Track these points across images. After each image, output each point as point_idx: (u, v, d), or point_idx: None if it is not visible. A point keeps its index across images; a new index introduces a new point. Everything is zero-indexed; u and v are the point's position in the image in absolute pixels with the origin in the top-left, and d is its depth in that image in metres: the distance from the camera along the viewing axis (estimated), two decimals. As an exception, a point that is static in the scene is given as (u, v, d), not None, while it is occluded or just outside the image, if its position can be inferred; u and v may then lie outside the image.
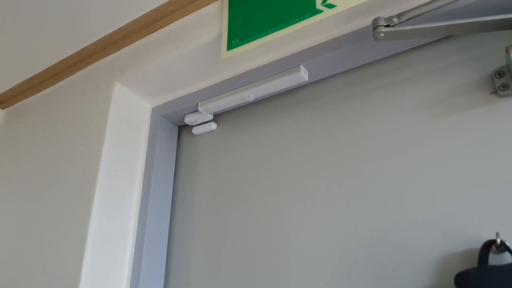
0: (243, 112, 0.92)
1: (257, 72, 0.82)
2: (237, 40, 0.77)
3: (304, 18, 0.70)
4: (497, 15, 0.55)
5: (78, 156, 0.91)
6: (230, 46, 0.77)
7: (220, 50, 0.83)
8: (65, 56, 1.04)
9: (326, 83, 0.82)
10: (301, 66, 0.76)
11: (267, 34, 0.73)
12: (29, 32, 0.98)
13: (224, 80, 0.88)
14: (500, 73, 0.61)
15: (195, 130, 0.96)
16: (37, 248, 0.87)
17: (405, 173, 0.66)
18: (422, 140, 0.66)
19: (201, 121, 0.95)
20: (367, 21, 0.71)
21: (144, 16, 0.91)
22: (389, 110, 0.71)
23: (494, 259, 0.54)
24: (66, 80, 1.09)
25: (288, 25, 0.71)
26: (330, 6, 0.67)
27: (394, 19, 0.60)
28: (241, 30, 0.77)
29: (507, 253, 0.53)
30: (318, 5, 0.69)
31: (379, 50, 0.73)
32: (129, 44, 0.97)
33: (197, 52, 0.85)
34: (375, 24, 0.61)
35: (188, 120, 0.95)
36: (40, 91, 1.15)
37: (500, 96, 0.61)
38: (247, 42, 0.75)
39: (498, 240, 0.53)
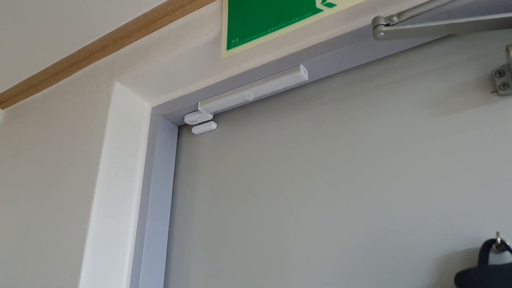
0: (243, 112, 0.92)
1: (257, 72, 0.82)
2: (237, 39, 0.77)
3: (304, 17, 0.69)
4: (498, 14, 0.55)
5: (78, 156, 0.91)
6: (230, 46, 0.77)
7: (220, 49, 0.83)
8: (65, 55, 1.04)
9: (326, 82, 0.82)
10: (301, 66, 0.76)
11: (267, 33, 0.73)
12: (28, 32, 0.98)
13: (224, 80, 0.88)
14: (500, 72, 0.61)
15: (195, 130, 0.96)
16: (37, 247, 0.87)
17: (405, 173, 0.65)
18: (422, 140, 0.66)
19: (201, 120, 0.95)
20: (367, 20, 0.71)
21: (144, 15, 0.91)
22: (389, 109, 0.71)
23: (495, 259, 0.53)
24: (66, 79, 1.09)
25: (288, 24, 0.71)
26: (330, 5, 0.67)
27: (394, 18, 0.60)
28: (241, 30, 0.77)
29: (507, 253, 0.53)
30: (318, 4, 0.69)
31: (379, 50, 0.73)
32: (129, 44, 0.97)
33: (197, 51, 0.85)
34: (375, 23, 0.61)
35: (188, 119, 0.95)
36: (40, 90, 1.15)
37: (501, 95, 0.61)
38: (247, 41, 0.75)
39: (499, 240, 0.52)
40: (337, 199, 0.71)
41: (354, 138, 0.73)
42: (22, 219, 0.95)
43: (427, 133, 0.66)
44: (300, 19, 0.70)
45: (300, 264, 0.70)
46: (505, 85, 0.60)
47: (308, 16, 0.69)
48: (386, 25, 0.61)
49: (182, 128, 1.02)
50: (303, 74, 0.76)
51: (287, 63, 0.78)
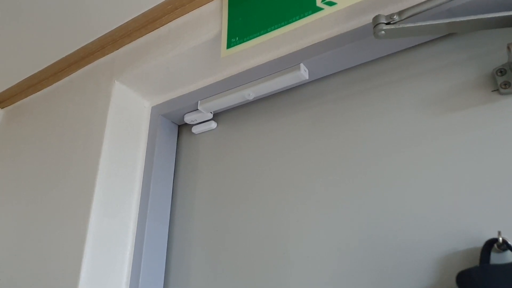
0: (243, 111, 0.91)
1: (257, 71, 0.82)
2: (237, 38, 0.77)
3: (304, 16, 0.69)
4: (499, 12, 0.55)
5: (78, 155, 0.91)
6: (230, 44, 0.77)
7: (219, 48, 0.83)
8: (64, 55, 1.04)
9: (326, 81, 0.81)
10: (301, 65, 0.76)
11: (267, 32, 0.73)
12: (28, 31, 0.97)
13: (224, 79, 0.88)
14: (501, 71, 0.61)
15: (195, 129, 0.96)
16: (37, 247, 0.87)
17: (406, 172, 0.65)
18: (423, 139, 0.65)
19: (201, 120, 0.95)
20: (367, 19, 0.71)
21: (143, 14, 0.91)
22: (390, 108, 0.71)
23: (496, 258, 0.53)
24: (65, 79, 1.09)
25: (288, 23, 0.71)
26: (331, 3, 0.67)
27: (395, 17, 0.60)
28: (241, 28, 0.77)
29: (509, 252, 0.53)
30: (318, 3, 0.69)
31: (380, 48, 0.73)
32: (128, 43, 0.97)
33: (196, 50, 0.84)
34: (375, 22, 0.61)
35: (188, 119, 0.95)
36: (40, 90, 1.15)
37: (502, 94, 0.61)
38: (247, 40, 0.75)
39: (500, 239, 0.52)
40: (337, 198, 0.70)
41: (354, 137, 0.73)
42: (22, 218, 0.95)
43: (428, 132, 0.65)
44: (300, 18, 0.70)
45: (300, 264, 0.70)
46: (506, 84, 0.60)
47: (309, 14, 0.69)
48: (386, 24, 0.60)
49: (182, 128, 1.02)
50: (303, 73, 0.76)
51: (287, 62, 0.78)
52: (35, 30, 0.97)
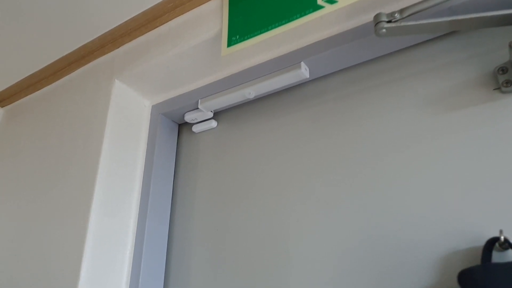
0: (244, 110, 0.91)
1: (258, 69, 0.82)
2: (238, 36, 0.76)
3: (305, 14, 0.69)
4: (500, 10, 0.55)
5: (78, 155, 0.90)
6: (230, 43, 0.77)
7: (220, 47, 0.83)
8: (64, 53, 1.04)
9: (327, 80, 0.81)
10: (302, 63, 0.76)
11: (267, 30, 0.73)
12: (28, 30, 0.97)
13: (225, 78, 0.87)
14: (503, 69, 0.61)
15: (195, 128, 0.96)
16: (37, 246, 0.86)
17: (407, 171, 0.65)
18: (424, 138, 0.65)
19: (201, 119, 0.94)
20: (368, 17, 0.70)
21: (143, 13, 0.91)
22: (391, 107, 0.71)
23: (498, 257, 0.53)
24: (65, 78, 1.09)
25: (289, 21, 0.71)
26: (331, 1, 0.67)
27: (396, 15, 0.60)
28: (241, 27, 0.77)
29: (510, 251, 0.53)
30: (319, 1, 0.68)
31: (381, 47, 0.72)
32: (128, 42, 0.97)
33: (197, 49, 0.84)
34: (376, 20, 0.61)
35: (188, 118, 0.94)
36: (39, 89, 1.15)
37: (504, 92, 0.60)
38: (248, 38, 0.75)
39: (502, 238, 0.52)
40: (337, 197, 0.70)
41: (355, 136, 0.73)
42: (22, 218, 0.95)
43: (429, 131, 0.65)
44: (301, 16, 0.69)
45: (300, 263, 0.70)
46: (508, 82, 0.60)
47: (309, 13, 0.69)
48: (388, 22, 0.60)
49: (182, 127, 1.02)
50: (304, 71, 0.76)
51: (288, 61, 0.77)
52: (35, 29, 0.97)
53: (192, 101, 0.91)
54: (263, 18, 0.74)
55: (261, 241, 0.76)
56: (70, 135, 0.96)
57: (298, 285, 0.68)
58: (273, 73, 0.79)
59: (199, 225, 0.86)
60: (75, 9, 0.91)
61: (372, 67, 0.76)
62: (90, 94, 0.97)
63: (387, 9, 0.68)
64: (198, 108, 0.91)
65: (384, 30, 0.60)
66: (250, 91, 0.82)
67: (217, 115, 0.95)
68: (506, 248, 0.53)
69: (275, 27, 0.72)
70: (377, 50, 0.73)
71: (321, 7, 0.68)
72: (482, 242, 0.55)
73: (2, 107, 1.26)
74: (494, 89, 0.61)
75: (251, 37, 0.75)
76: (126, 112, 0.94)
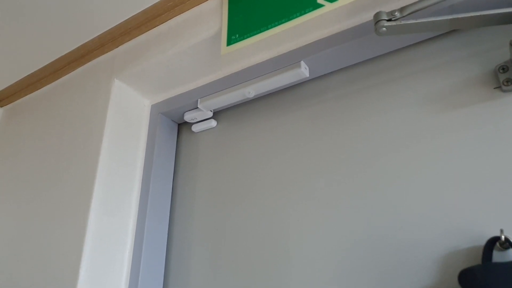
0: (243, 109, 0.91)
1: (258, 68, 0.81)
2: (237, 35, 0.76)
3: (304, 13, 0.69)
4: (501, 8, 0.54)
5: (77, 154, 0.90)
6: (230, 42, 0.76)
7: (220, 46, 0.82)
8: (64, 53, 1.04)
9: (327, 79, 0.81)
10: (302, 62, 0.75)
11: (267, 29, 0.73)
12: (27, 29, 0.97)
13: (224, 77, 0.87)
14: (504, 68, 0.60)
15: (195, 128, 0.95)
16: (36, 245, 0.86)
17: (408, 170, 0.65)
18: (425, 137, 0.65)
19: (200, 118, 0.94)
20: (368, 16, 0.70)
21: (143, 12, 0.90)
22: (391, 106, 0.70)
23: (499, 256, 0.53)
24: (65, 77, 1.09)
25: (289, 20, 0.70)
26: (331, 0, 0.67)
27: (396, 13, 0.60)
28: (241, 25, 0.76)
29: (511, 250, 0.53)
30: (319, 0, 0.68)
31: (381, 46, 0.72)
32: (128, 41, 0.96)
33: (196, 48, 0.84)
34: (377, 18, 0.60)
35: (188, 117, 0.94)
36: (39, 88, 1.15)
37: (504, 91, 0.60)
38: (247, 37, 0.74)
39: (503, 237, 0.52)
40: (338, 197, 0.70)
41: (355, 135, 0.72)
42: (21, 217, 0.94)
43: (430, 130, 0.65)
44: (300, 15, 0.69)
45: (300, 263, 0.69)
46: (508, 81, 0.59)
47: (309, 11, 0.68)
48: (388, 20, 0.60)
49: (182, 126, 1.01)
50: (304, 70, 0.75)
51: (288, 60, 0.77)
52: (34, 28, 0.96)
53: (191, 100, 0.91)
54: (262, 17, 0.74)
55: (261, 241, 0.75)
56: (70, 135, 0.95)
57: (298, 285, 0.68)
58: (272, 72, 0.79)
59: (198, 224, 0.86)
60: (75, 8, 0.91)
61: (372, 66, 0.76)
62: (89, 94, 0.97)
63: (387, 8, 0.68)
64: (197, 107, 0.91)
65: (384, 28, 0.60)
66: (250, 90, 0.82)
67: (216, 114, 0.95)
68: (507, 248, 0.53)
69: (275, 25, 0.72)
70: (377, 49, 0.73)
71: (321, 5, 0.67)
72: (482, 241, 0.55)
73: (1, 106, 1.25)
74: (494, 88, 0.61)
75: (250, 36, 0.74)
76: (126, 111, 0.94)
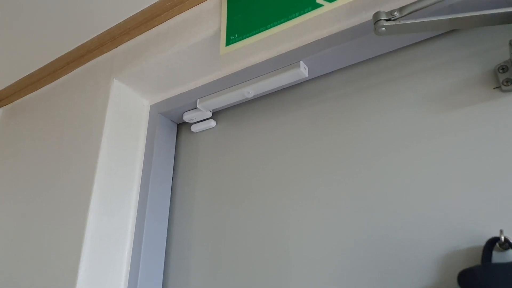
0: (243, 109, 0.91)
1: (257, 68, 0.81)
2: (236, 35, 0.76)
3: (304, 13, 0.69)
4: (501, 8, 0.54)
5: (76, 154, 0.90)
6: (229, 41, 0.76)
7: (219, 46, 0.82)
8: (63, 53, 1.04)
9: (326, 79, 0.81)
10: (301, 62, 0.75)
11: (266, 29, 0.72)
12: (26, 29, 0.97)
13: (223, 77, 0.87)
14: (503, 68, 0.60)
15: (194, 128, 0.95)
16: (35, 245, 0.86)
17: (407, 170, 0.65)
18: (424, 137, 0.65)
19: (200, 118, 0.94)
20: (368, 15, 0.70)
21: (142, 12, 0.90)
22: (391, 106, 0.70)
23: (498, 257, 0.53)
24: (64, 77, 1.08)
25: (288, 19, 0.70)
26: (331, 0, 0.66)
27: (395, 13, 0.59)
28: (240, 25, 0.76)
29: (511, 251, 0.52)
30: None
31: (381, 46, 0.72)
32: (127, 41, 0.96)
33: (196, 48, 0.84)
34: (376, 18, 0.60)
35: (187, 117, 0.94)
36: (38, 88, 1.15)
37: (504, 91, 0.60)
38: (247, 37, 0.74)
39: (502, 238, 0.52)
40: (338, 197, 0.70)
41: (355, 135, 0.72)
42: (20, 217, 0.94)
43: (429, 130, 0.65)
44: (300, 15, 0.69)
45: (300, 263, 0.69)
46: (508, 81, 0.59)
47: (308, 11, 0.68)
48: (387, 20, 0.60)
49: (181, 126, 1.01)
50: (303, 70, 0.75)
51: (287, 60, 0.77)
52: (33, 28, 0.96)
53: (191, 100, 0.91)
54: (262, 17, 0.74)
55: (261, 241, 0.75)
56: (69, 135, 0.95)
57: (298, 285, 0.68)
58: (272, 72, 0.79)
59: (198, 224, 0.86)
60: (74, 8, 0.91)
61: (371, 65, 0.76)
62: (89, 94, 0.97)
63: (386, 8, 0.68)
64: (197, 107, 0.91)
65: (383, 28, 0.60)
66: (249, 90, 0.82)
67: (216, 114, 0.95)
68: (507, 248, 0.53)
69: (274, 25, 0.72)
70: (376, 49, 0.73)
71: (320, 5, 0.67)
72: (482, 242, 0.55)
73: (1, 106, 1.25)
74: (494, 88, 0.61)
75: (249, 35, 0.74)
76: (125, 111, 0.94)
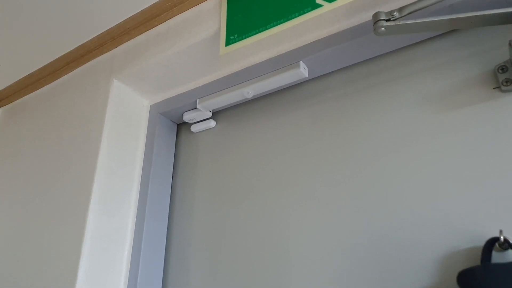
0: (242, 109, 0.91)
1: (256, 69, 0.81)
2: (236, 35, 0.76)
3: (303, 13, 0.69)
4: (501, 8, 0.54)
5: (76, 154, 0.90)
6: (229, 42, 0.76)
7: (218, 46, 0.82)
8: (63, 53, 1.04)
9: (326, 79, 0.81)
10: (301, 62, 0.75)
11: (266, 29, 0.72)
12: (26, 29, 0.97)
13: (223, 77, 0.87)
14: (503, 68, 0.60)
15: (194, 128, 0.95)
16: (35, 245, 0.86)
17: (407, 170, 0.65)
18: (424, 137, 0.65)
19: (200, 118, 0.94)
20: (368, 15, 0.70)
21: (142, 12, 0.90)
22: (391, 106, 0.70)
23: (498, 257, 0.53)
24: (64, 77, 1.08)
25: (288, 20, 0.70)
26: (330, 0, 0.66)
27: (395, 13, 0.59)
28: (240, 25, 0.76)
29: (510, 251, 0.52)
30: (318, 0, 0.68)
31: (380, 46, 0.72)
32: (127, 41, 0.96)
33: (195, 48, 0.84)
34: (375, 18, 0.60)
35: (187, 117, 0.94)
36: (38, 88, 1.15)
37: (503, 91, 0.60)
38: (246, 37, 0.74)
39: (502, 238, 0.52)
40: (337, 197, 0.70)
41: (355, 135, 0.72)
42: (20, 217, 0.94)
43: (429, 130, 0.65)
44: (299, 15, 0.69)
45: (300, 263, 0.69)
46: (508, 81, 0.59)
47: (308, 11, 0.68)
48: (387, 20, 0.60)
49: (181, 126, 1.01)
50: (303, 70, 0.75)
51: (286, 60, 0.77)
52: (33, 28, 0.96)
53: (190, 100, 0.91)
54: (261, 17, 0.74)
55: (261, 241, 0.75)
56: (69, 135, 0.95)
57: (298, 285, 0.68)
58: (271, 72, 0.79)
59: (198, 224, 0.86)
60: (74, 8, 0.91)
61: (371, 66, 0.76)
62: (88, 94, 0.97)
63: (386, 8, 0.68)
64: (196, 107, 0.91)
65: (383, 28, 0.60)
66: (249, 91, 0.82)
67: (215, 114, 0.95)
68: (506, 248, 0.53)
69: (274, 26, 0.72)
70: (376, 49, 0.73)
71: (319, 5, 0.67)
72: (482, 242, 0.55)
73: (1, 106, 1.25)
74: (494, 88, 0.61)
75: (249, 36, 0.74)
76: (125, 111, 0.94)
